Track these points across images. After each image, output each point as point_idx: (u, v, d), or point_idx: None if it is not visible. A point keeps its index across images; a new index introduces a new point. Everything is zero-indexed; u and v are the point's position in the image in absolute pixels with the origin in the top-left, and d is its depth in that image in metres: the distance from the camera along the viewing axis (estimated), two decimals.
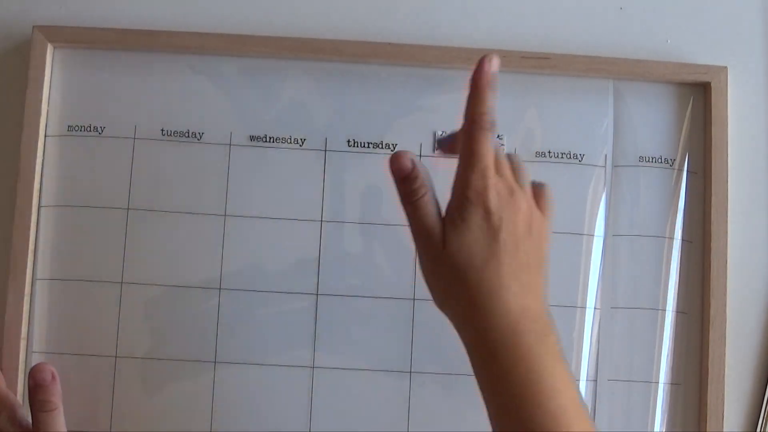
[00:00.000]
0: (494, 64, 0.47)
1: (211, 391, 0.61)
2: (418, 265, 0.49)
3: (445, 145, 0.51)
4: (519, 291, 0.45)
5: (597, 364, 0.62)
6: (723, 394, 0.61)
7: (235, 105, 0.63)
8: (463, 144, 0.46)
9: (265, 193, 0.63)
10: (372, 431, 0.61)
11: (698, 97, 0.65)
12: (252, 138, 0.63)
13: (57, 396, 0.55)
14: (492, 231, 0.45)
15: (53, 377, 0.55)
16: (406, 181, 0.47)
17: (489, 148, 0.45)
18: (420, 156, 0.63)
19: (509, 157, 0.49)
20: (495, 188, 0.45)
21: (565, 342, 0.61)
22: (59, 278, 0.62)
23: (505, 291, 0.45)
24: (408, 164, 0.47)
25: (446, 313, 0.48)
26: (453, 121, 0.63)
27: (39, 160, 0.62)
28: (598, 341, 0.62)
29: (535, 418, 0.42)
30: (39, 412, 0.54)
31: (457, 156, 0.47)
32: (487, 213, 0.45)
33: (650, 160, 0.64)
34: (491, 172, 0.45)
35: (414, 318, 0.62)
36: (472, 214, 0.45)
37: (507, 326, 0.44)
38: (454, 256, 0.45)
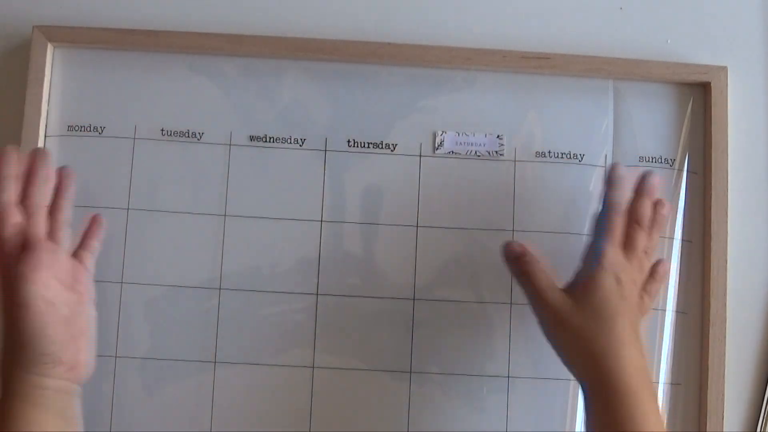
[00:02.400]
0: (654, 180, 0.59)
1: (211, 391, 0.61)
2: (539, 326, 0.56)
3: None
4: (636, 350, 0.53)
5: None
6: (723, 394, 0.61)
7: (235, 105, 0.63)
8: (601, 223, 0.56)
9: (265, 193, 0.63)
10: (372, 431, 0.61)
11: (698, 97, 0.65)
12: (252, 138, 0.63)
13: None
14: (620, 291, 0.53)
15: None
16: (520, 260, 0.57)
17: (620, 232, 0.56)
18: (420, 155, 0.63)
19: (644, 252, 0.57)
20: (627, 266, 0.54)
21: None
22: None
23: (628, 346, 0.52)
24: (517, 248, 0.57)
25: (568, 356, 0.54)
26: (453, 121, 0.63)
27: None
28: None
29: None
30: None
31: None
32: (618, 279, 0.53)
33: (650, 160, 0.64)
34: (620, 250, 0.55)
35: (414, 318, 0.62)
36: (609, 273, 0.54)
37: (629, 375, 0.51)
38: (587, 305, 0.53)
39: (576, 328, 0.53)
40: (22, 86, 0.62)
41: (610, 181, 0.57)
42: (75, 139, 0.63)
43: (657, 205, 0.58)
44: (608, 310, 0.53)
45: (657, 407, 0.52)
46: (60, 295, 0.54)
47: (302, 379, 0.61)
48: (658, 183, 0.58)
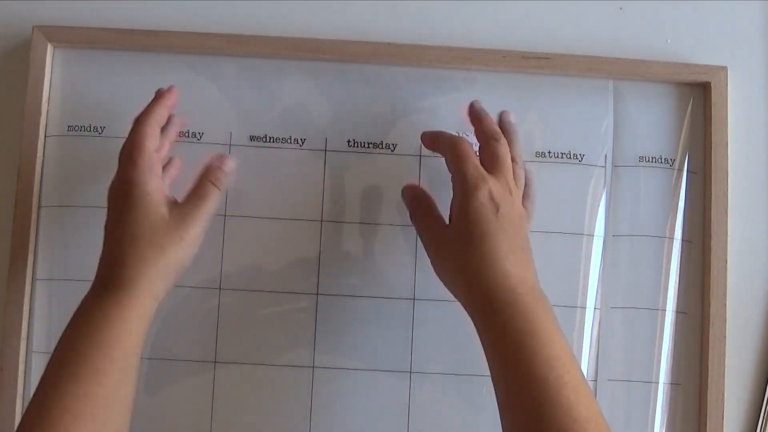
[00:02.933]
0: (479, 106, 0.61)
1: (211, 391, 0.61)
2: (423, 251, 0.57)
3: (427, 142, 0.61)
4: (516, 263, 0.51)
5: (597, 364, 0.62)
6: (723, 394, 0.61)
7: (235, 105, 0.63)
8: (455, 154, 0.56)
9: (265, 193, 0.63)
10: (372, 431, 0.61)
11: (698, 97, 0.65)
12: (252, 138, 0.63)
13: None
14: (494, 209, 0.52)
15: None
16: (415, 199, 0.59)
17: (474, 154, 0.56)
18: (420, 156, 0.63)
19: (513, 162, 0.56)
20: (495, 182, 0.53)
21: None
22: (59, 278, 0.62)
23: (504, 260, 0.51)
24: (413, 190, 0.60)
25: (451, 286, 0.54)
26: (453, 121, 0.63)
27: (39, 160, 0.62)
28: (598, 341, 0.62)
29: (532, 365, 0.47)
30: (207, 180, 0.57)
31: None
32: (491, 196, 0.52)
33: (650, 160, 0.64)
34: (483, 170, 0.54)
35: (414, 318, 0.62)
36: (479, 194, 0.52)
37: (507, 288, 0.50)
38: (461, 231, 0.53)
39: (450, 253, 0.53)
40: (22, 86, 0.62)
41: (426, 139, 0.60)
42: (75, 139, 0.63)
43: (501, 116, 0.60)
44: (479, 229, 0.51)
45: (551, 323, 0.49)
46: None
47: (302, 379, 0.61)
48: (479, 107, 0.60)
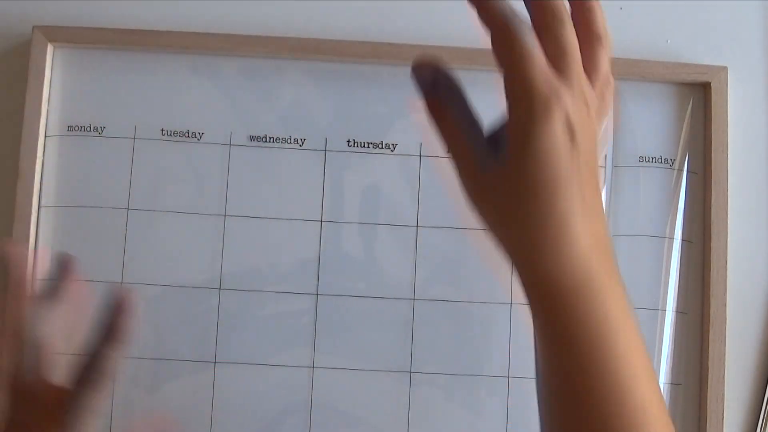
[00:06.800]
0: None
1: (211, 391, 0.61)
2: (460, 189, 0.39)
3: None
4: (590, 220, 0.37)
5: None
6: (723, 394, 0.61)
7: (235, 105, 0.63)
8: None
9: (265, 193, 0.63)
10: (372, 431, 0.61)
11: (698, 97, 0.65)
12: (252, 138, 0.63)
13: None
14: (568, 140, 0.35)
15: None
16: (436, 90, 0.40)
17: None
18: (420, 156, 0.63)
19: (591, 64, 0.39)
20: (570, 94, 0.36)
21: None
22: None
23: (576, 223, 0.36)
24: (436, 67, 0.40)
25: (501, 248, 0.38)
26: None
27: (39, 160, 0.62)
28: None
29: (604, 389, 0.36)
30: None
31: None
32: (567, 120, 0.35)
33: (650, 160, 0.64)
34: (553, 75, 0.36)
35: (414, 318, 0.62)
36: (551, 120, 0.35)
37: (580, 266, 0.36)
38: (519, 174, 0.36)
39: (501, 206, 0.37)
40: (22, 86, 0.62)
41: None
42: (75, 139, 0.63)
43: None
44: (546, 174, 0.35)
45: (623, 302, 0.39)
46: None
47: (302, 379, 0.61)
48: None
